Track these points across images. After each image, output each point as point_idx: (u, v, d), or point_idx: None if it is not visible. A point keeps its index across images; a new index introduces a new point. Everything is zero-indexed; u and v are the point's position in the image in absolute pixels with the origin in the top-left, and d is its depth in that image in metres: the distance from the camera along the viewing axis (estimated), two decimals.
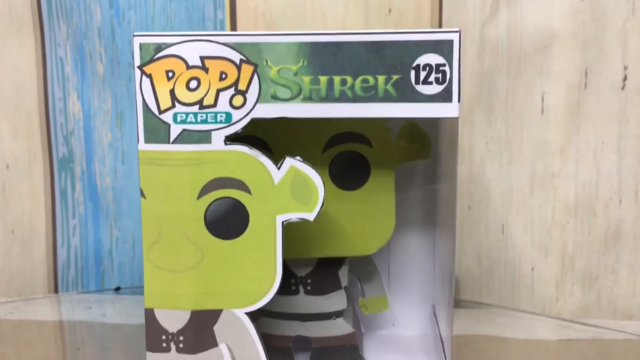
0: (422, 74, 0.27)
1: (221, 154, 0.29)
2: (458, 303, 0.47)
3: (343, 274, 0.34)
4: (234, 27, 0.47)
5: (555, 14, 0.44)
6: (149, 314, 0.30)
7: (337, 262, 0.34)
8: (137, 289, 0.49)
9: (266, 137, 0.33)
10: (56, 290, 0.51)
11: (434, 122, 0.34)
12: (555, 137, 0.45)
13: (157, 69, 0.28)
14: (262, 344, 0.30)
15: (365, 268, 0.37)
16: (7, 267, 0.51)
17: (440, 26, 0.46)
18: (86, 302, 0.47)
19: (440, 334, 0.34)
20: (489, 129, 0.46)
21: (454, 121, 0.29)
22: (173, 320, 0.30)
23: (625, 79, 0.44)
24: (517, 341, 0.39)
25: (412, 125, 0.33)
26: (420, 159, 0.33)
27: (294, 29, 0.46)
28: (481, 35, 0.45)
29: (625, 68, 0.44)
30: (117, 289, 0.49)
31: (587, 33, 0.44)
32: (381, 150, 0.33)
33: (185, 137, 0.29)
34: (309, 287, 0.34)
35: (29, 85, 0.49)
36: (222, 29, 0.47)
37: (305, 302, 0.34)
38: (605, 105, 0.44)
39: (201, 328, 0.30)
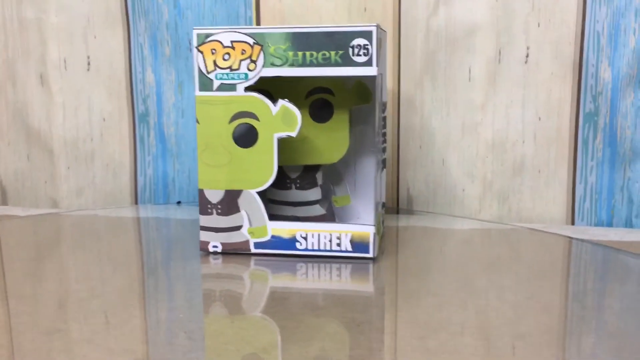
0: (356, 50, 0.47)
1: (242, 97, 0.49)
2: (412, 212, 0.67)
3: (319, 176, 0.55)
4: (258, 21, 0.68)
5: (478, 10, 0.63)
6: (201, 192, 0.51)
7: (314, 168, 0.55)
8: (192, 203, 0.71)
9: (271, 90, 0.53)
10: (136, 204, 0.73)
11: (373, 82, 0.54)
12: (479, 97, 0.64)
13: (206, 48, 0.49)
14: (265, 211, 0.51)
15: (335, 176, 0.57)
16: (103, 189, 0.73)
17: (399, 19, 0.65)
18: (158, 209, 0.69)
19: (382, 219, 0.54)
20: (434, 91, 0.65)
21: (379, 80, 0.49)
22: (214, 195, 0.51)
23: (527, 55, 0.63)
24: (443, 229, 0.59)
25: (359, 82, 0.53)
26: (365, 103, 0.53)
27: (299, 21, 0.67)
28: (427, 25, 0.64)
29: (528, 48, 0.63)
30: (179, 203, 0.71)
31: (500, 24, 0.63)
32: (340, 98, 0.53)
33: (221, 87, 0.49)
34: (297, 185, 0.55)
35: (119, 62, 0.71)
36: (251, 24, 0.68)
37: (295, 194, 0.55)
38: (513, 74, 0.63)
39: (230, 200, 0.51)
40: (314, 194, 0.55)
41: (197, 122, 0.50)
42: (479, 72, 0.63)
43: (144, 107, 0.72)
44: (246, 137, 0.50)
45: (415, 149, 0.67)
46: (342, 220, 0.59)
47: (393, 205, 0.68)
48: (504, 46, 0.63)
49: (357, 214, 0.59)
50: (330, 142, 0.54)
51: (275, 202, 0.55)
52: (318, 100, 0.54)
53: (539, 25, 0.62)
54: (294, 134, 0.49)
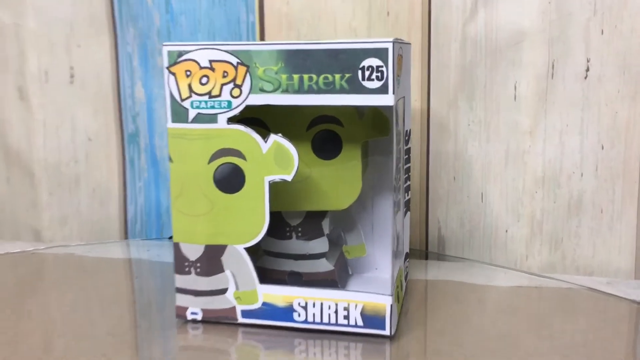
0: (367, 73, 0.37)
1: (224, 131, 0.39)
2: (444, 257, 0.55)
3: (325, 224, 0.44)
4: (262, 28, 0.57)
5: (525, 14, 0.51)
6: (176, 246, 0.41)
7: (320, 215, 0.44)
8: None
9: (266, 119, 0.43)
10: (126, 237, 0.64)
11: (390, 111, 0.43)
12: (526, 120, 0.52)
13: (179, 69, 0.39)
14: (255, 272, 0.40)
15: (347, 222, 0.47)
16: (89, 218, 0.64)
17: (429, 25, 0.54)
18: (149, 246, 0.60)
19: (405, 274, 0.43)
20: (471, 112, 0.54)
21: (399, 107, 0.38)
22: (192, 251, 0.41)
23: (587, 70, 0.51)
24: (481, 286, 0.48)
25: (375, 110, 0.42)
26: (382, 136, 0.43)
27: (310, 28, 0.56)
28: (463, 33, 0.53)
29: (588, 61, 0.51)
30: (171, 238, 0.62)
31: (553, 30, 0.51)
32: (350, 129, 0.42)
33: (199, 118, 0.39)
34: (299, 234, 0.45)
35: (106, 76, 0.62)
36: (253, 30, 0.58)
37: (297, 245, 0.45)
38: (570, 92, 0.51)
39: (212, 258, 0.41)
40: (319, 245, 0.44)
41: (170, 160, 0.40)
42: (526, 90, 0.52)
43: (133, 126, 0.62)
44: (230, 180, 0.40)
45: (448, 181, 0.56)
46: (357, 271, 0.48)
47: (421, 249, 0.57)
48: (558, 58, 0.51)
49: (375, 264, 0.49)
50: (338, 184, 0.43)
51: (272, 255, 0.45)
52: (322, 132, 0.43)
53: (602, 33, 0.50)
54: (289, 177, 0.39)
